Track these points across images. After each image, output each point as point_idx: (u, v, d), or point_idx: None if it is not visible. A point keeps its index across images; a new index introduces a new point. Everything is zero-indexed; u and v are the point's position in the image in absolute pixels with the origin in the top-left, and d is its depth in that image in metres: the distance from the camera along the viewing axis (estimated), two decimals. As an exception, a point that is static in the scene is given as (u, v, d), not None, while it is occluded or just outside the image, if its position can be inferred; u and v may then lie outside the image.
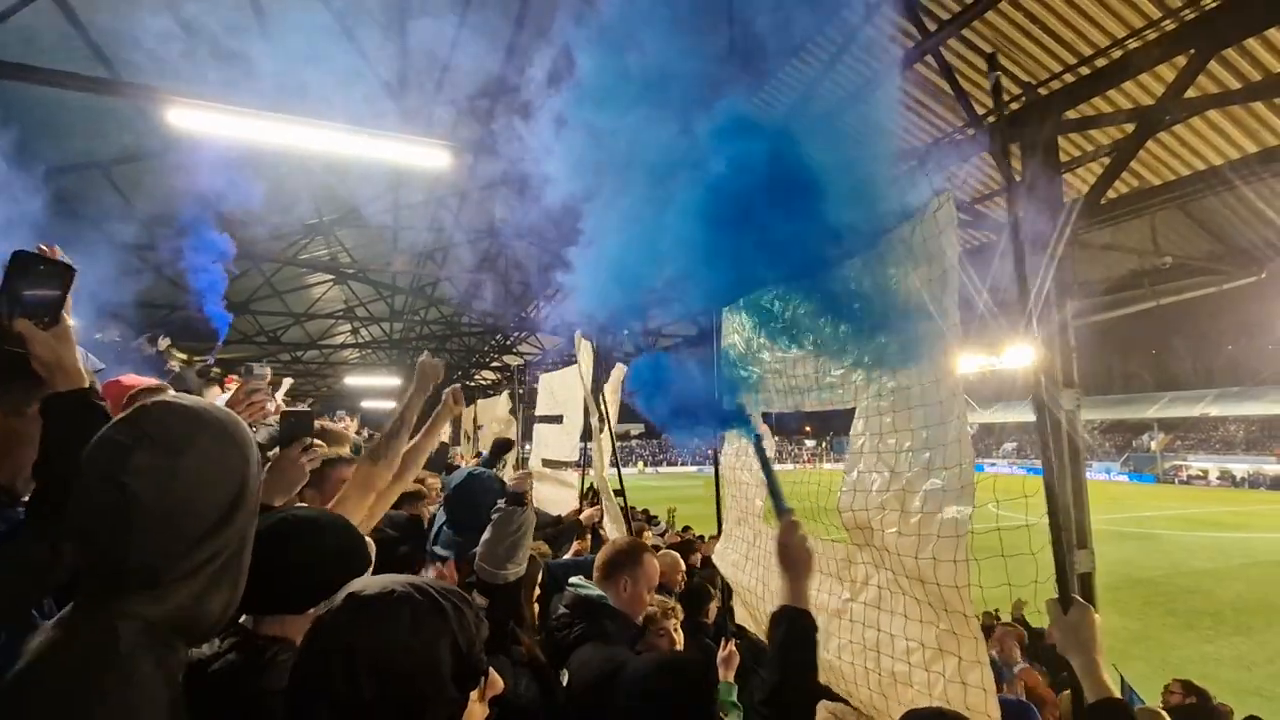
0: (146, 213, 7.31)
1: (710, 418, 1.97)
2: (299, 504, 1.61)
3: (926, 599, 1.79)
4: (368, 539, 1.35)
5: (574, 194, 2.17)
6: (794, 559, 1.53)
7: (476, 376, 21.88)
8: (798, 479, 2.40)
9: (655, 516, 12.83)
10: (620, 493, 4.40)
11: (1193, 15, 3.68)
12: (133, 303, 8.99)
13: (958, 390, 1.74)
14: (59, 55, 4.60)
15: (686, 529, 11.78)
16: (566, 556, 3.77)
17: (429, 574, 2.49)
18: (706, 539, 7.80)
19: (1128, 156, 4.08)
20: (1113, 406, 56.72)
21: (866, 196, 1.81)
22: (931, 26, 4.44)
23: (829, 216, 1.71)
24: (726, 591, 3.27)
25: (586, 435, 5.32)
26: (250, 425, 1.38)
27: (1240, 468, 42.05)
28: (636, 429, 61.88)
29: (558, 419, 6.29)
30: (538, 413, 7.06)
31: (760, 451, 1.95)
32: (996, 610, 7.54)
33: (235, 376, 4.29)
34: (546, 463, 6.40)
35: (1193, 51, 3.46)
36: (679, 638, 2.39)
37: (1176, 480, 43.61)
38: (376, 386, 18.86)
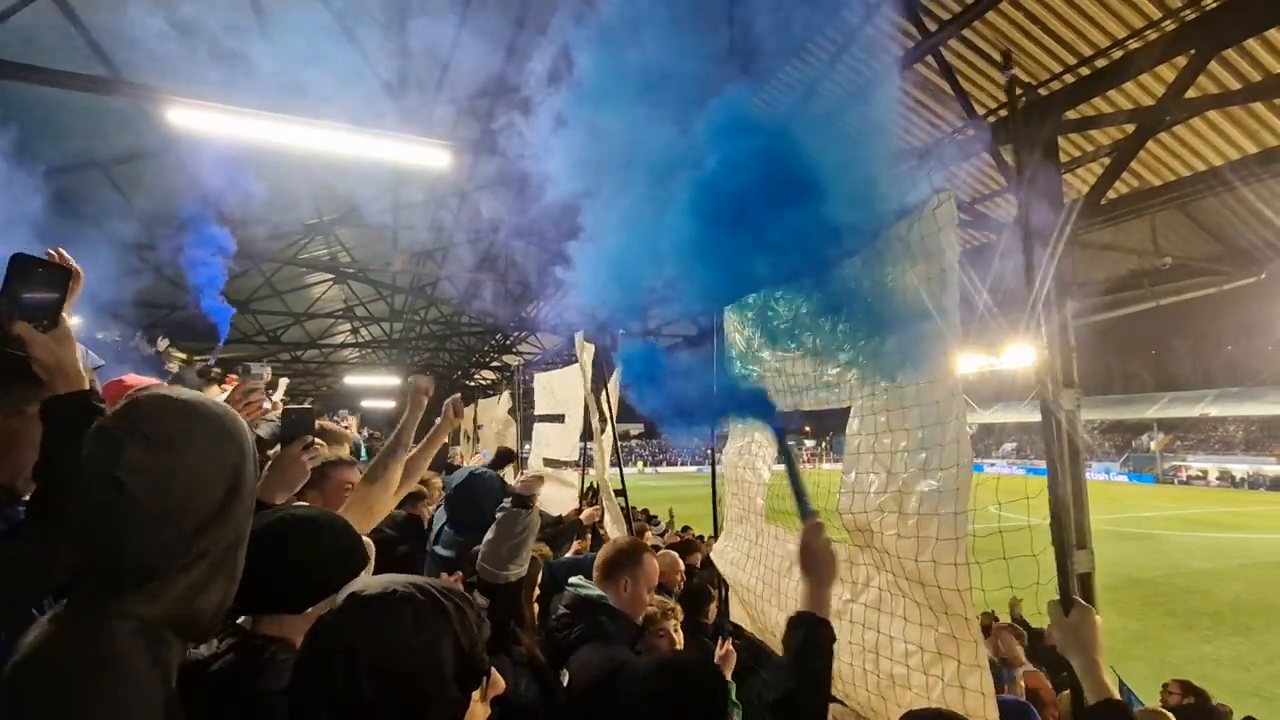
0: (147, 212, 7.31)
1: (728, 407, 1.92)
2: (299, 503, 1.61)
3: (927, 602, 1.78)
4: (366, 539, 1.35)
5: (574, 193, 2.16)
6: (817, 563, 1.50)
7: (476, 376, 21.88)
8: (798, 479, 2.40)
9: (655, 516, 12.84)
10: (622, 493, 4.40)
11: (1193, 15, 3.68)
12: (132, 302, 9.01)
13: (957, 391, 1.72)
14: (59, 55, 4.59)
15: (686, 529, 11.79)
16: (567, 556, 3.77)
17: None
18: (706, 539, 7.80)
19: (1128, 157, 4.08)
20: (1112, 407, 56.72)
21: (865, 195, 1.81)
22: (932, 26, 4.45)
23: (828, 215, 1.71)
24: (724, 590, 3.27)
25: (587, 435, 5.33)
26: (251, 423, 1.39)
27: (1240, 468, 42.05)
28: (636, 429, 61.87)
29: (559, 418, 6.30)
30: (536, 412, 7.06)
31: (785, 448, 1.86)
32: (994, 611, 7.54)
33: (236, 376, 4.29)
34: (547, 462, 6.40)
35: (1193, 52, 3.46)
36: (679, 638, 2.39)
37: (1176, 481, 43.60)
38: (376, 386, 18.86)
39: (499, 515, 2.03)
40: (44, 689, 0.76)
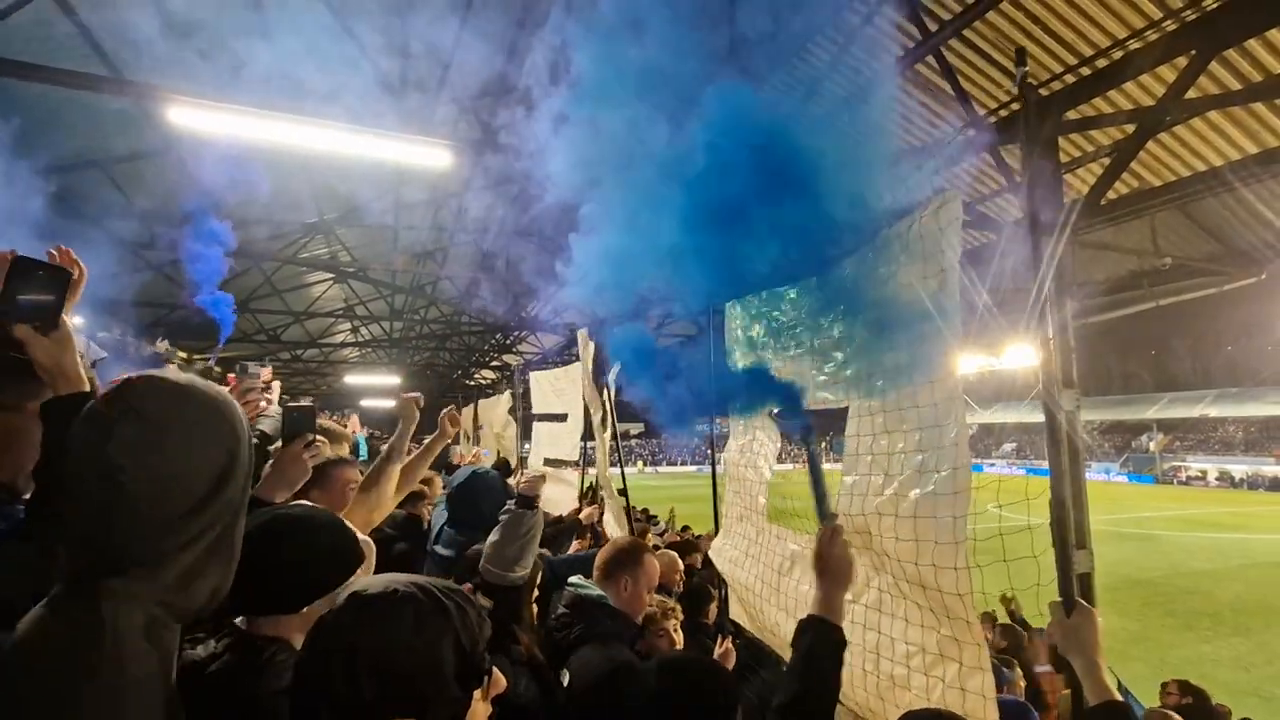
0: (147, 210, 7.31)
1: (766, 395, 1.89)
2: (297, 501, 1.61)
3: (928, 604, 1.77)
4: (364, 538, 1.35)
5: (574, 193, 2.17)
6: (833, 568, 1.49)
7: (476, 376, 21.88)
8: (798, 479, 2.40)
9: (655, 516, 12.84)
10: (623, 492, 4.40)
11: (1193, 16, 3.68)
12: (132, 300, 9.01)
13: (957, 393, 1.70)
14: (60, 53, 4.60)
15: (685, 528, 11.79)
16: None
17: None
18: (707, 535, 7.79)
19: (1128, 157, 4.08)
20: (1112, 407, 56.69)
21: (864, 194, 1.80)
22: (933, 26, 4.45)
23: (827, 214, 1.70)
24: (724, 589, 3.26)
25: (588, 434, 5.32)
26: (251, 422, 1.38)
27: (1239, 469, 42.03)
28: (636, 428, 61.83)
29: (561, 418, 6.29)
30: (533, 411, 7.05)
31: (811, 449, 1.76)
32: (994, 612, 7.53)
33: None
34: (548, 461, 6.40)
35: (1193, 52, 3.46)
36: (679, 638, 2.39)
37: (1175, 481, 43.56)
38: (376, 385, 18.86)
39: (503, 517, 2.02)
40: (39, 670, 0.75)
